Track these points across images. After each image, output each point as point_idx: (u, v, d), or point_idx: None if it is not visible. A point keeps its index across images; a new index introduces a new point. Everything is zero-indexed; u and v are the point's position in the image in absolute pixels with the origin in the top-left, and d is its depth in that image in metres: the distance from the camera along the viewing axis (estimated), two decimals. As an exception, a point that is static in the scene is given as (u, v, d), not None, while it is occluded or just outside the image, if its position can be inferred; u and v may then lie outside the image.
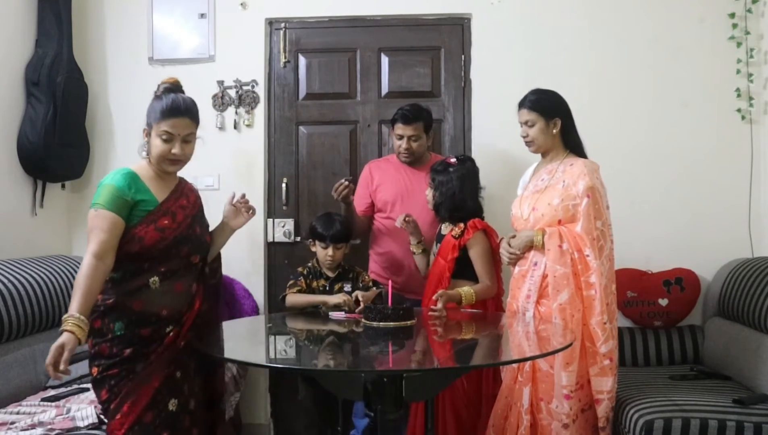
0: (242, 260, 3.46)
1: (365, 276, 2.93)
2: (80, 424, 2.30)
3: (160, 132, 2.06)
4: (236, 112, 3.54)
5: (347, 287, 2.84)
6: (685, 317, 3.29)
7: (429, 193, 2.80)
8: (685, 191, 3.36)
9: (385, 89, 3.55)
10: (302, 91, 3.58)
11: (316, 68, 3.57)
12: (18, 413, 2.42)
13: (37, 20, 3.31)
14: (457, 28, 3.52)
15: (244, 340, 2.44)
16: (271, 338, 2.53)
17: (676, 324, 3.28)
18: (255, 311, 3.37)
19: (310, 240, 2.93)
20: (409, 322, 2.34)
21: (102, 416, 2.21)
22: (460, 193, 2.73)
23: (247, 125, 3.54)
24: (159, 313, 2.05)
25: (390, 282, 2.57)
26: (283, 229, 3.56)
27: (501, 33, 3.45)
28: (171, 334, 2.06)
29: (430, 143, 3.14)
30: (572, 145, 2.60)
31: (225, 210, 2.31)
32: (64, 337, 1.82)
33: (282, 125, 3.59)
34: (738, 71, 3.30)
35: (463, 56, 3.51)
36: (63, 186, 3.51)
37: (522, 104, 2.60)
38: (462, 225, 2.72)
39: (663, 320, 3.25)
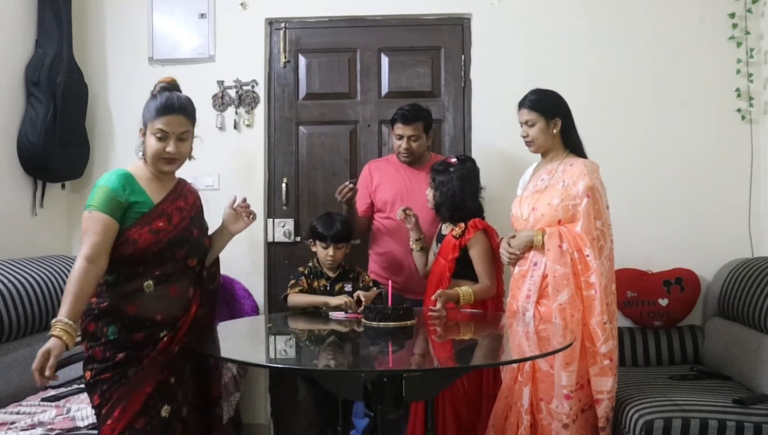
0: (242, 260, 3.46)
1: (366, 276, 2.93)
2: (80, 424, 2.30)
3: (154, 130, 2.03)
4: (236, 112, 3.54)
5: (348, 287, 2.84)
6: (685, 317, 3.29)
7: (429, 193, 2.80)
8: (685, 191, 3.36)
9: (385, 89, 3.55)
10: (302, 91, 3.58)
11: (316, 68, 3.57)
12: (18, 413, 2.43)
13: (37, 20, 3.32)
14: (457, 28, 3.52)
15: (244, 340, 2.44)
16: (271, 338, 2.52)
17: (676, 324, 3.28)
18: (255, 311, 3.37)
19: (311, 240, 2.93)
20: (409, 322, 2.34)
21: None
22: (460, 193, 2.73)
23: (247, 125, 3.54)
24: (153, 317, 2.00)
25: (390, 282, 2.57)
26: (283, 229, 3.56)
27: (501, 33, 3.45)
28: (165, 338, 2.01)
29: (429, 143, 3.14)
30: (572, 145, 2.60)
31: (225, 213, 2.26)
32: (51, 343, 1.79)
33: (282, 125, 3.59)
34: (738, 71, 3.30)
35: (463, 56, 3.51)
36: (63, 186, 3.51)
37: (522, 104, 2.60)
38: (462, 225, 2.72)
39: (663, 320, 3.25)
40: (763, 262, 2.89)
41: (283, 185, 3.56)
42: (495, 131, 3.39)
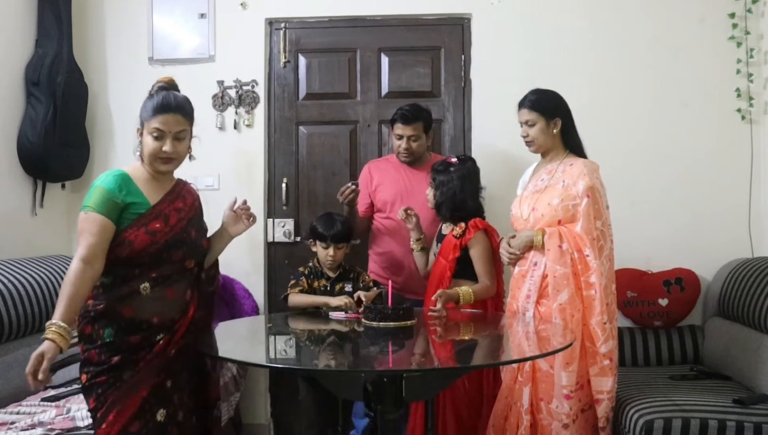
0: (242, 260, 3.45)
1: (366, 276, 2.93)
2: (80, 424, 2.30)
3: (151, 129, 2.01)
4: (236, 112, 3.54)
5: (348, 287, 2.84)
6: (685, 317, 3.29)
7: (430, 192, 2.80)
8: (685, 191, 3.36)
9: (385, 89, 3.55)
10: (302, 91, 3.58)
11: (316, 68, 3.57)
12: (18, 413, 2.43)
13: (37, 20, 3.31)
14: (457, 28, 3.52)
15: (244, 340, 2.44)
16: (271, 338, 2.52)
17: (676, 324, 3.28)
18: (255, 311, 3.37)
19: (311, 240, 2.93)
20: (409, 322, 2.34)
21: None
22: (460, 193, 2.73)
23: (247, 125, 3.54)
24: (150, 320, 1.98)
25: (390, 282, 2.57)
26: (283, 229, 3.56)
27: (501, 33, 3.45)
28: (161, 341, 1.99)
29: (429, 143, 3.14)
30: (572, 145, 2.60)
31: (225, 215, 2.24)
32: (45, 346, 1.77)
33: (282, 125, 3.59)
34: (738, 71, 3.30)
35: (463, 56, 3.51)
36: (63, 186, 3.51)
37: (522, 104, 2.60)
38: (463, 225, 2.72)
39: (663, 320, 3.25)
40: (763, 262, 2.89)
41: (283, 185, 3.55)
42: (495, 131, 3.39)
